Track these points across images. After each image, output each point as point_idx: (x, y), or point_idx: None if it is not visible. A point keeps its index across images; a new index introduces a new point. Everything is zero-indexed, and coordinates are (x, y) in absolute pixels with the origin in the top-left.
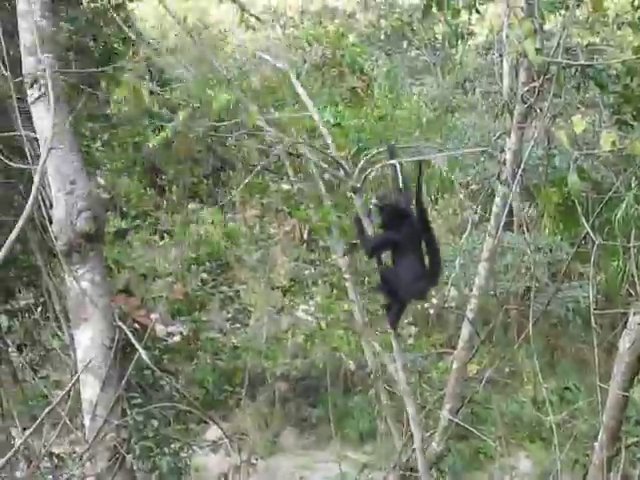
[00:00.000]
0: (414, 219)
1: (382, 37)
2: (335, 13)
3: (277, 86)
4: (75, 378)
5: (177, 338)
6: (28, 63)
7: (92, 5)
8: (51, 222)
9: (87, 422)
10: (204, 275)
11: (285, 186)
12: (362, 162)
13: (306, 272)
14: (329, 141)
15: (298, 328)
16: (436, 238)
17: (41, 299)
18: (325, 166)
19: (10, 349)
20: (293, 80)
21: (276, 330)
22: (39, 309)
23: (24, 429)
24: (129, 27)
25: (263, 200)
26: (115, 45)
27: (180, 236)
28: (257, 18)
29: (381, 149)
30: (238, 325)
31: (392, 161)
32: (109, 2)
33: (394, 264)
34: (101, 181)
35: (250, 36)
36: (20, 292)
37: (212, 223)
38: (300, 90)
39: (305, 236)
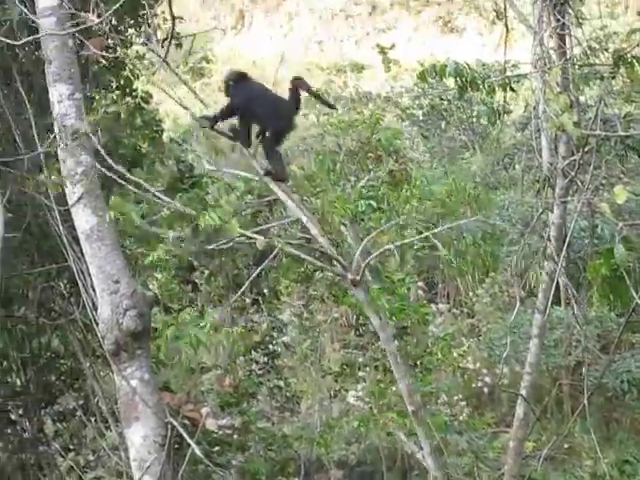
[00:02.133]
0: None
1: (420, 117)
2: (369, 97)
3: (314, 174)
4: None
5: (228, 430)
6: (68, 165)
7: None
8: (96, 323)
9: None
10: (253, 365)
11: (330, 273)
12: (359, 249)
13: (356, 357)
14: (320, 238)
15: (350, 414)
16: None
17: (86, 401)
18: (319, 264)
19: (55, 453)
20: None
21: (328, 417)
22: (84, 411)
23: None
24: (157, 126)
25: (310, 288)
26: (142, 145)
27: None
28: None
29: (382, 228)
30: (288, 413)
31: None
32: (135, 102)
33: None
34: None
35: None
36: (65, 395)
37: (257, 312)
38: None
39: (353, 321)
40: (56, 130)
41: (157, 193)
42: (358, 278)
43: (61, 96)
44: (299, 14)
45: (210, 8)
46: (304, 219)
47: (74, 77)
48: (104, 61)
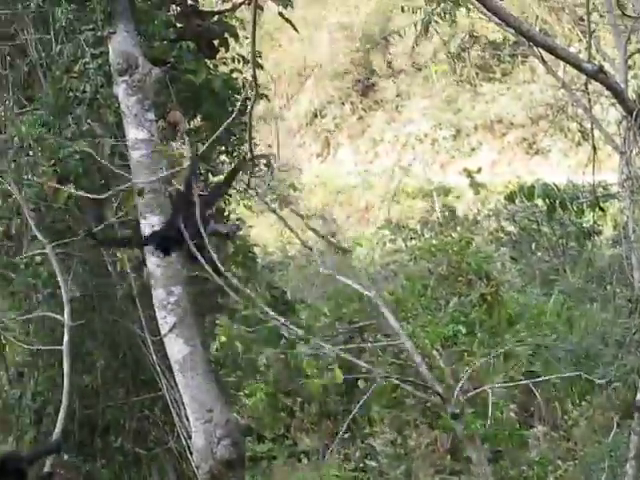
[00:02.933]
0: None
1: (509, 239)
2: (456, 221)
3: (404, 299)
4: None
5: None
6: (158, 294)
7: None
8: (191, 452)
9: None
10: None
11: (422, 394)
12: (462, 382)
13: None
14: (423, 369)
15: None
16: None
17: None
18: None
19: None
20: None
21: None
22: None
23: None
24: (249, 252)
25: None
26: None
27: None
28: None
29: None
30: None
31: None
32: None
33: None
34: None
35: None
36: None
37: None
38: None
39: (448, 445)
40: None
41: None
42: (458, 412)
43: (153, 227)
44: (384, 140)
45: (296, 135)
46: (409, 346)
47: (164, 208)
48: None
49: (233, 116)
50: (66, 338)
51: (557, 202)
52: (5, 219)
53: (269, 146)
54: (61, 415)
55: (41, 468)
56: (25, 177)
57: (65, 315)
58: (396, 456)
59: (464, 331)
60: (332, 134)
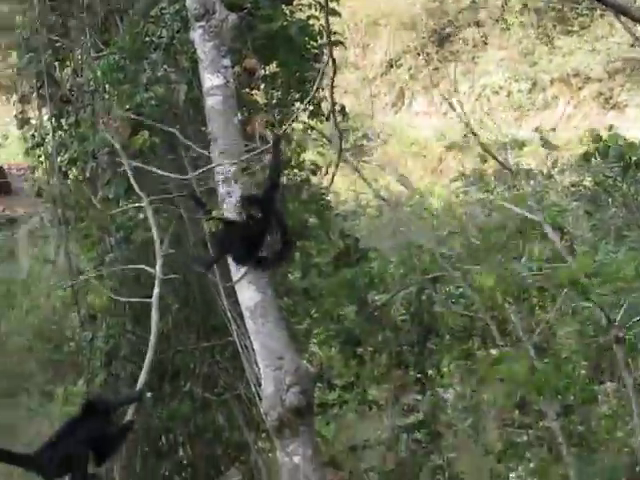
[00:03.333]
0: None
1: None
2: (530, 174)
3: (477, 251)
4: None
5: None
6: None
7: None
8: (260, 398)
9: None
10: (415, 445)
11: (493, 351)
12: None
13: (519, 436)
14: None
15: None
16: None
17: (250, 475)
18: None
19: None
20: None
21: None
22: None
23: None
24: (322, 200)
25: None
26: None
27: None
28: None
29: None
30: None
31: None
32: (302, 174)
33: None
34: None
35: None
36: (229, 469)
37: (419, 392)
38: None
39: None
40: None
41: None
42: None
43: (226, 175)
44: (459, 91)
45: (371, 85)
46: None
47: (239, 155)
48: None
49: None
50: (156, 290)
51: (632, 159)
52: (81, 162)
53: (344, 92)
54: (146, 366)
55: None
56: (101, 121)
57: (157, 268)
58: (464, 408)
59: (539, 284)
60: (407, 84)
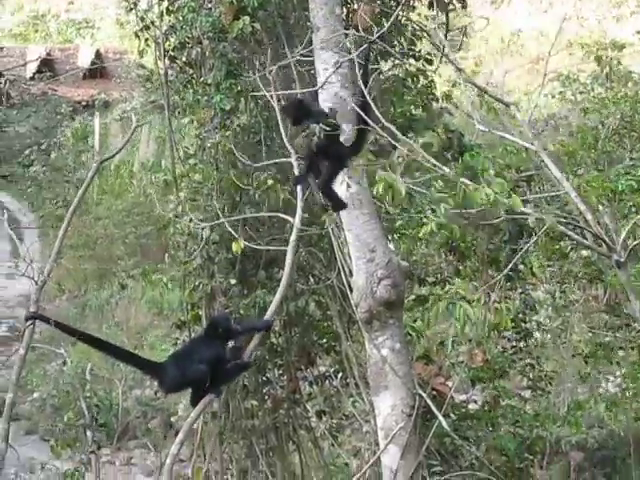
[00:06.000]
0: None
1: None
2: (628, 77)
3: (574, 151)
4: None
5: (477, 405)
6: None
7: (390, 73)
8: (351, 290)
9: None
10: (504, 342)
11: (584, 252)
12: (625, 231)
13: (609, 338)
14: (588, 215)
15: (599, 395)
16: None
17: (340, 366)
18: (584, 242)
19: (310, 415)
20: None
21: (574, 398)
22: (339, 376)
23: None
24: (430, 94)
25: (565, 267)
26: (414, 112)
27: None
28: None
29: None
30: (540, 392)
31: None
32: (407, 70)
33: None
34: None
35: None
36: (320, 359)
37: (510, 290)
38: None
39: (606, 301)
40: (320, 98)
41: (433, 160)
42: (623, 260)
43: (326, 63)
44: None
45: None
46: (573, 194)
47: (341, 45)
48: (377, 27)
49: None
50: (293, 237)
51: None
52: (186, 49)
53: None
54: (277, 297)
55: None
56: (204, 6)
57: (296, 218)
58: (555, 308)
59: (635, 186)
60: None
